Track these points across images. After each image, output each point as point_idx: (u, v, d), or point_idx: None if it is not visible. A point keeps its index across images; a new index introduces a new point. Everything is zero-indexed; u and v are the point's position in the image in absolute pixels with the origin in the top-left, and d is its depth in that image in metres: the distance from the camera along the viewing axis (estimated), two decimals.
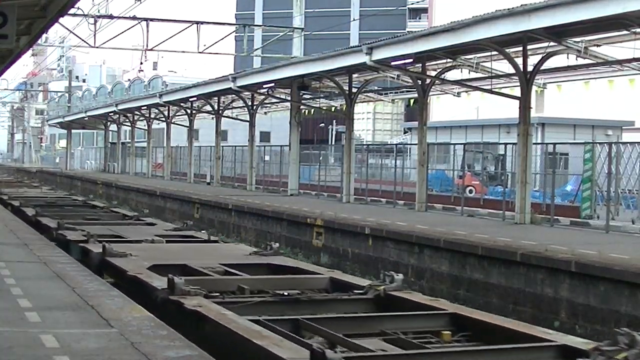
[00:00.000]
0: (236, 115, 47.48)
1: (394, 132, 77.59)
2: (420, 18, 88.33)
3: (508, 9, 18.65)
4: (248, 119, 40.40)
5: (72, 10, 25.41)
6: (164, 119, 53.51)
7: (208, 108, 46.43)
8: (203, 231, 18.05)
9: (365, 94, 36.54)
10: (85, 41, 36.28)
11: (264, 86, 35.40)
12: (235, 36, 46.28)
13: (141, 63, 47.17)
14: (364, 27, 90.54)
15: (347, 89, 30.98)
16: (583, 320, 13.73)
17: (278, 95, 38.89)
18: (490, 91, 26.27)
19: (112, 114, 61.25)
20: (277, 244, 14.66)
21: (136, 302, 9.42)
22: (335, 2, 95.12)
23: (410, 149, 40.92)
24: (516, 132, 22.69)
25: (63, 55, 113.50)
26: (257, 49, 49.77)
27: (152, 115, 56.07)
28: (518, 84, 22.74)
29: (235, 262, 12.92)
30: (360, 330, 8.90)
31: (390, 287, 10.26)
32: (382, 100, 42.35)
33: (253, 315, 9.10)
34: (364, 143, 57.14)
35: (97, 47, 36.10)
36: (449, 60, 25.38)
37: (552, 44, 21.19)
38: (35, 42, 22.06)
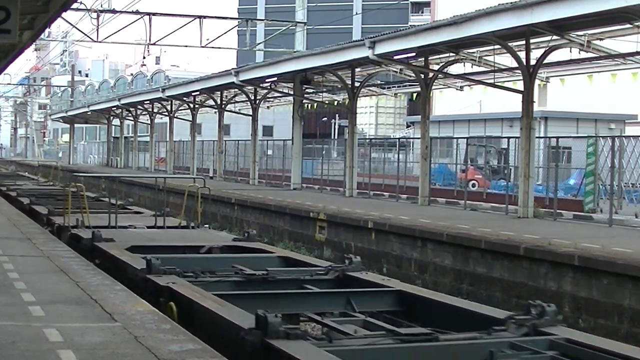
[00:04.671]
0: (239, 109, 47.48)
1: (396, 126, 77.64)
2: (422, 12, 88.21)
3: (511, 3, 18.63)
4: (251, 113, 40.37)
5: (74, 5, 25.47)
6: (166, 113, 53.52)
7: (211, 102, 46.40)
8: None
9: (367, 88, 36.52)
10: (88, 36, 36.32)
11: (267, 80, 35.39)
12: (238, 30, 46.20)
13: (144, 57, 47.17)
14: (366, 21, 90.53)
15: (350, 83, 30.95)
16: (586, 314, 13.75)
17: (281, 90, 38.88)
18: (493, 85, 26.26)
19: (114, 108, 61.27)
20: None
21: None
22: None
23: (413, 143, 40.89)
24: (519, 126, 22.68)
25: (66, 50, 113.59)
26: (259, 43, 49.74)
27: (155, 110, 56.10)
28: (521, 77, 22.71)
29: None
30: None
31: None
32: (384, 94, 42.33)
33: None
34: (367, 137, 57.11)
35: (99, 42, 36.11)
36: (451, 54, 25.36)
37: (555, 37, 21.14)
38: (38, 37, 22.04)
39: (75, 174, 24.30)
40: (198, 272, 10.90)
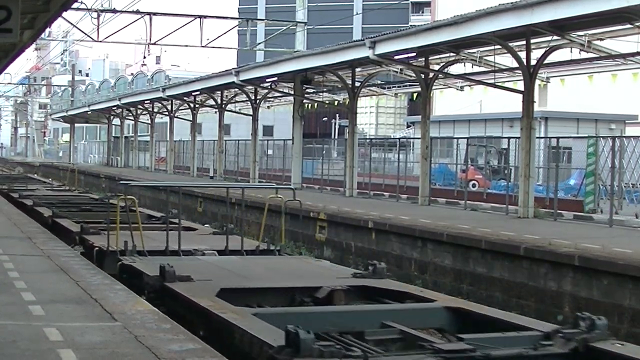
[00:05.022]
0: (239, 109, 47.51)
1: (397, 126, 77.63)
2: (423, 12, 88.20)
3: (511, 3, 18.62)
4: (251, 113, 40.37)
5: (75, 4, 25.39)
6: (167, 113, 53.54)
7: (211, 102, 46.42)
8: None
9: (368, 88, 36.51)
10: (88, 35, 36.34)
11: (267, 80, 35.39)
12: (238, 30, 46.23)
13: (144, 57, 47.38)
14: (366, 21, 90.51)
15: (350, 83, 30.93)
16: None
17: (281, 89, 38.88)
18: (493, 85, 26.24)
19: (115, 108, 61.29)
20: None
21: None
22: None
23: (413, 143, 40.87)
24: (519, 126, 22.67)
25: (66, 50, 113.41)
26: (260, 43, 49.77)
27: (155, 109, 56.12)
28: (521, 77, 22.70)
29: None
30: None
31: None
32: (385, 94, 42.34)
33: None
34: (367, 137, 57.11)
35: (100, 41, 36.13)
36: (452, 54, 25.35)
37: (555, 37, 21.14)
38: (38, 37, 22.03)
39: (123, 181, 18.85)
40: (334, 332, 8.11)
